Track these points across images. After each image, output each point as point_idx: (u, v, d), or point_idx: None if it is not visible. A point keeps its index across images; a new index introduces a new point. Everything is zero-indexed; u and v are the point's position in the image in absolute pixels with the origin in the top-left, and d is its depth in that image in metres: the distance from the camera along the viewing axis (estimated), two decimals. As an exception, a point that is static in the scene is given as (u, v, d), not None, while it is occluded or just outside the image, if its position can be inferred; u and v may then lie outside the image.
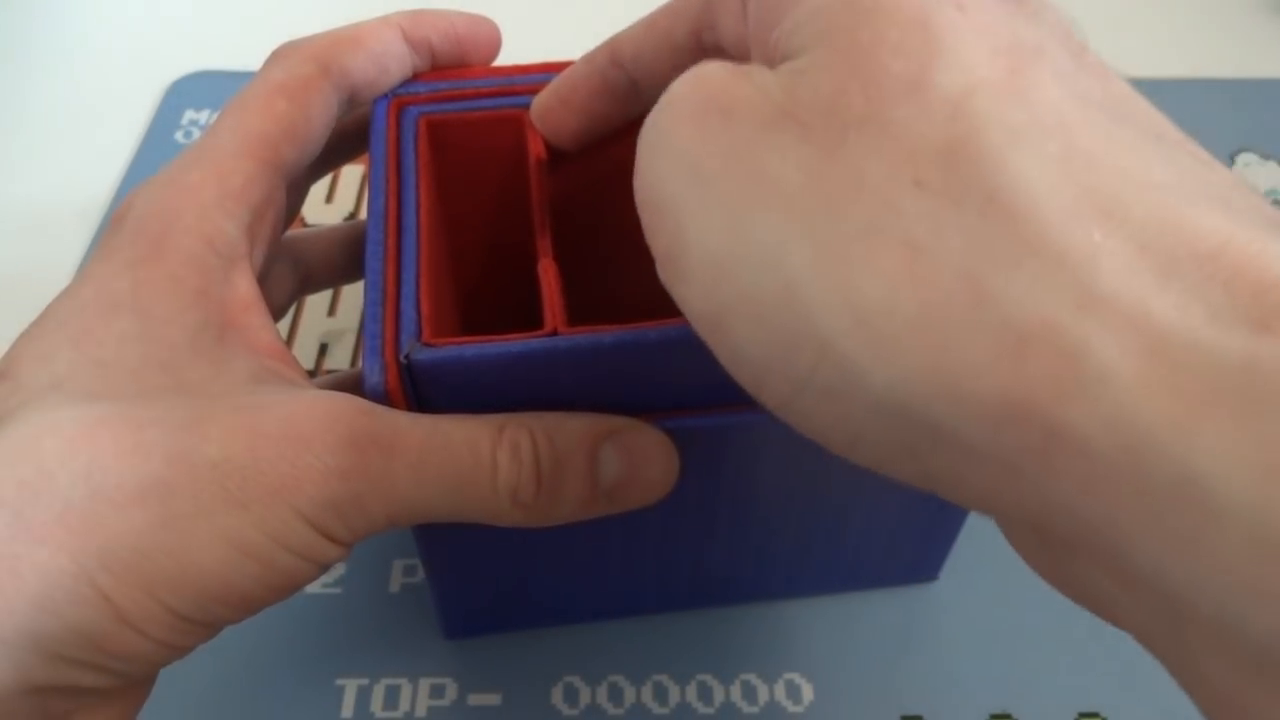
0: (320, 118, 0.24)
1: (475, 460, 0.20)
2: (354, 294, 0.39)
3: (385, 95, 0.25)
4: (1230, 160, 0.46)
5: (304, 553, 0.18)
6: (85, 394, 0.19)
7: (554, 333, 0.21)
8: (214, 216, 0.21)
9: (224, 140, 0.23)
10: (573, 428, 0.21)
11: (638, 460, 0.22)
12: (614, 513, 0.22)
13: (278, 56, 0.25)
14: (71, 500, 0.17)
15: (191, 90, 0.48)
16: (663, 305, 0.23)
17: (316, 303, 0.39)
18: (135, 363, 0.20)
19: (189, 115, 0.46)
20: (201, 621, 0.18)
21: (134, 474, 0.18)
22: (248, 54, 0.50)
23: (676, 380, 0.22)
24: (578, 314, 0.22)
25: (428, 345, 0.20)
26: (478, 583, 0.28)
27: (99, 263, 0.21)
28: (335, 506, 0.18)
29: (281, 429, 0.18)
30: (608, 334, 0.21)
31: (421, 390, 0.21)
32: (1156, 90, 0.58)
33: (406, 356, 0.20)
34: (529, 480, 0.20)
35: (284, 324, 0.38)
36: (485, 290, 0.29)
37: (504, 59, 0.27)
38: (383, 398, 0.20)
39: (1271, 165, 0.45)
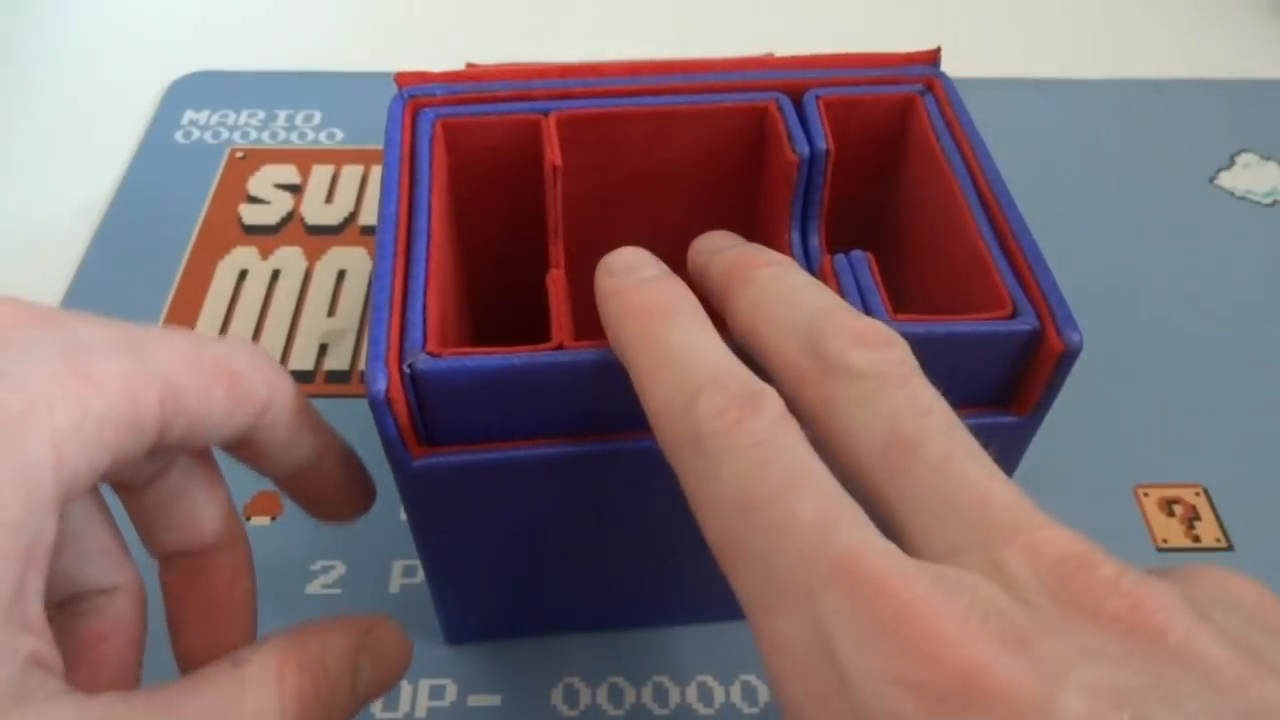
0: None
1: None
2: (354, 294, 0.39)
3: (401, 96, 0.25)
4: (1230, 160, 0.45)
5: None
6: None
7: (559, 346, 0.21)
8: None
9: None
10: (338, 646, 0.19)
11: (389, 663, 0.20)
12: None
13: None
14: None
15: (191, 90, 0.48)
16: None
17: (316, 303, 0.39)
18: None
19: (189, 115, 0.46)
20: None
21: None
22: (248, 55, 0.50)
23: None
24: (586, 324, 0.22)
25: (432, 355, 0.20)
26: (478, 594, 0.28)
27: None
28: None
29: None
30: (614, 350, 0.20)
31: (423, 399, 0.21)
32: (1157, 90, 0.58)
33: (410, 365, 0.20)
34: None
35: (283, 324, 0.38)
36: (496, 293, 0.29)
37: (519, 59, 0.26)
38: (384, 405, 0.20)
39: (1271, 165, 0.45)
